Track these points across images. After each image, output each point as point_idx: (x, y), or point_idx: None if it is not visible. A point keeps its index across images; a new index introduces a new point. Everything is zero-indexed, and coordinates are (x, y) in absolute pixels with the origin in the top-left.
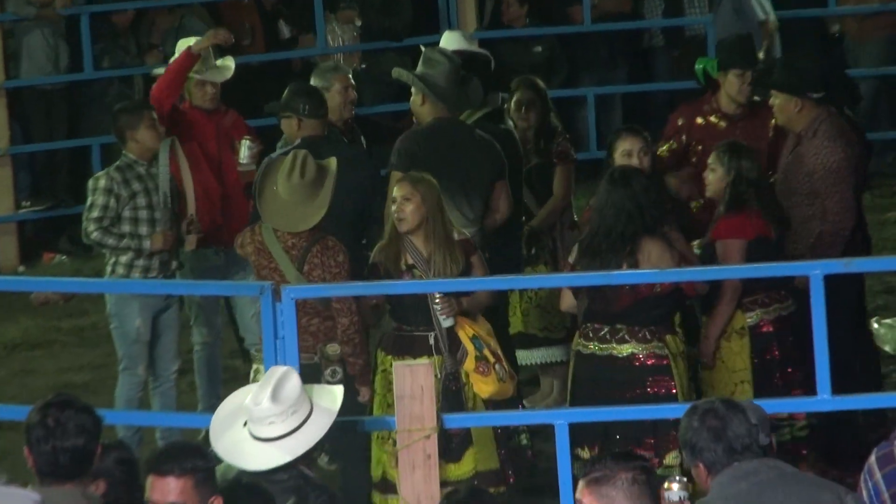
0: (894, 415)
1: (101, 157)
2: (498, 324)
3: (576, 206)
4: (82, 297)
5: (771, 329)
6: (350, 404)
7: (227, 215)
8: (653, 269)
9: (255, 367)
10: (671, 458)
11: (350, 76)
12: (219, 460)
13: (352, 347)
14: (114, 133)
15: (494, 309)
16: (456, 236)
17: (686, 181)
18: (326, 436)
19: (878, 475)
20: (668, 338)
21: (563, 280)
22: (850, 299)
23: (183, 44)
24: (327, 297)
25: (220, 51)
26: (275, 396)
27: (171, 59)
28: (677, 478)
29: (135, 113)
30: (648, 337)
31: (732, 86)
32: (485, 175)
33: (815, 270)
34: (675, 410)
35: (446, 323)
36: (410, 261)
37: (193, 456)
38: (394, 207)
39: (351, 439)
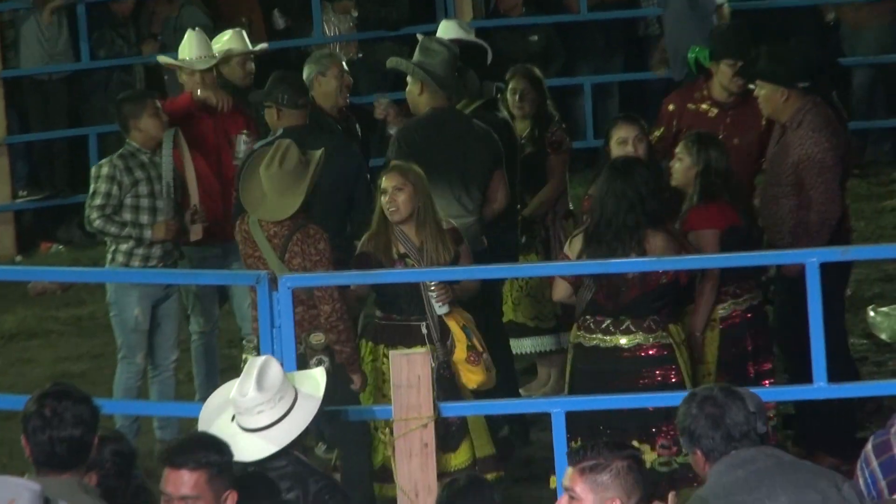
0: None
1: (99, 147)
2: (492, 313)
3: (572, 196)
4: (79, 287)
5: (742, 320)
6: (344, 393)
7: (226, 209)
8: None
9: (244, 356)
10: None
11: (344, 63)
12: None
13: (336, 335)
14: (118, 121)
15: (489, 298)
16: (444, 225)
17: None
18: (318, 422)
19: (874, 463)
20: (671, 327)
21: (562, 268)
22: (832, 289)
23: (186, 41)
24: (321, 285)
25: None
26: (260, 385)
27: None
28: None
29: (138, 101)
30: (653, 327)
31: (725, 75)
32: (483, 164)
33: (811, 258)
34: (672, 398)
35: (441, 310)
36: (402, 250)
37: (209, 450)
38: (385, 198)
39: (350, 427)
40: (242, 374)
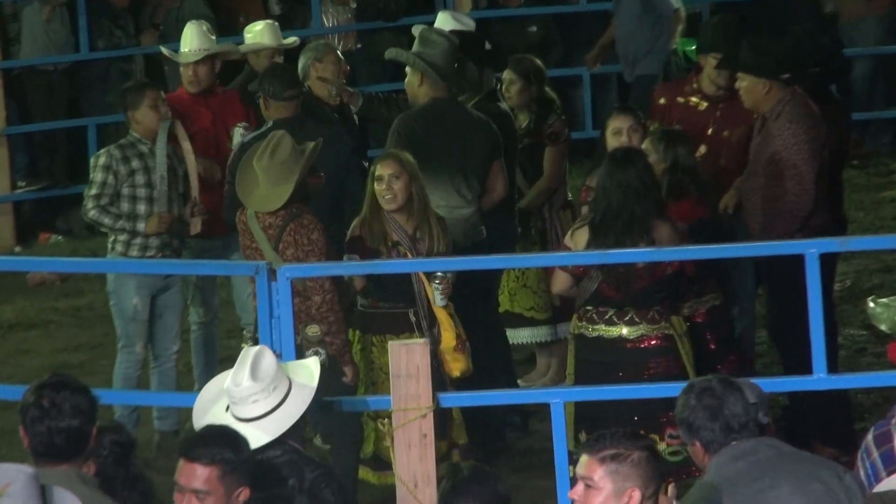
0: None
1: (98, 138)
2: (491, 304)
3: (571, 186)
4: (78, 278)
5: (703, 319)
6: (340, 385)
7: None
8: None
9: (244, 347)
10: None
11: (341, 54)
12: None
13: (327, 326)
14: (122, 112)
15: (488, 289)
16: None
17: None
18: (312, 411)
19: (875, 454)
20: (674, 318)
21: (567, 259)
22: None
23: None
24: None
25: (221, 30)
26: (254, 374)
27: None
28: None
29: (138, 92)
30: (657, 318)
31: (713, 69)
32: (482, 155)
33: (810, 249)
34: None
35: (441, 302)
36: (395, 238)
37: (225, 446)
38: (382, 186)
39: (343, 422)
40: (236, 364)
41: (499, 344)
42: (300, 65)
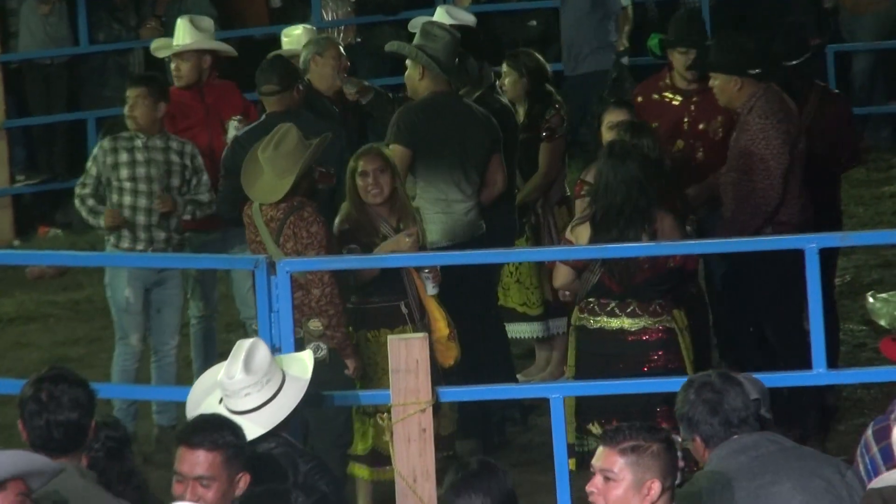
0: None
1: (97, 131)
2: (490, 298)
3: (570, 181)
4: (77, 271)
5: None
6: (340, 381)
7: None
8: (667, 241)
9: None
10: None
11: (342, 47)
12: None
13: (327, 319)
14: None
15: (487, 283)
16: None
17: None
18: (308, 406)
19: (874, 449)
20: (675, 312)
21: (570, 253)
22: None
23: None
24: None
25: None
26: (247, 367)
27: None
28: None
29: (131, 88)
30: (658, 311)
31: (679, 63)
32: (482, 149)
33: (810, 244)
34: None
35: (433, 291)
36: (384, 231)
37: (226, 431)
38: (368, 180)
39: (331, 424)
40: (230, 357)
41: (498, 339)
42: (301, 58)
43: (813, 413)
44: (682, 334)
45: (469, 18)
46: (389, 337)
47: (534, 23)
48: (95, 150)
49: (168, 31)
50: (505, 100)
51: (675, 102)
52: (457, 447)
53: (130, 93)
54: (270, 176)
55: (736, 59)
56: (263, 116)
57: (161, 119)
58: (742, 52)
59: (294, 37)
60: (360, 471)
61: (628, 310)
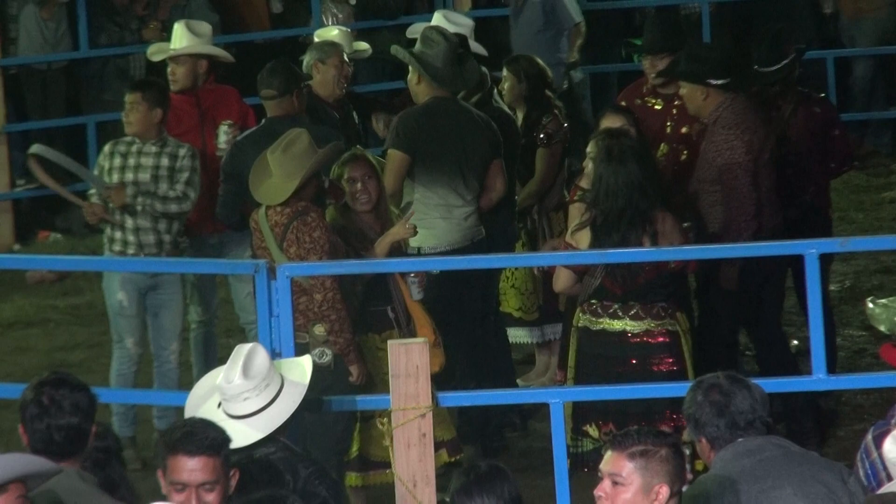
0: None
1: (97, 135)
2: (491, 303)
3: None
4: (77, 276)
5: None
6: (344, 386)
7: (214, 200)
8: (669, 241)
9: None
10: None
11: (345, 53)
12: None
13: (329, 324)
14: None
15: (487, 288)
16: None
17: None
18: (304, 409)
19: (874, 454)
20: (679, 315)
21: (572, 258)
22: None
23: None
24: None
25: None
26: (246, 372)
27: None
28: None
29: (128, 93)
30: (662, 314)
31: (647, 70)
32: (481, 154)
33: (810, 249)
34: (672, 389)
35: (419, 296)
36: (371, 237)
37: (216, 431)
38: (357, 186)
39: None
40: (229, 361)
41: (498, 343)
42: (304, 62)
43: (808, 418)
44: (684, 337)
45: (467, 22)
46: (389, 342)
47: None
48: (99, 155)
49: (169, 35)
50: (504, 106)
51: (657, 107)
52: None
53: (127, 98)
54: (277, 178)
55: (701, 69)
56: (263, 121)
57: (158, 124)
58: (708, 62)
59: (328, 38)
60: (351, 478)
61: (631, 312)
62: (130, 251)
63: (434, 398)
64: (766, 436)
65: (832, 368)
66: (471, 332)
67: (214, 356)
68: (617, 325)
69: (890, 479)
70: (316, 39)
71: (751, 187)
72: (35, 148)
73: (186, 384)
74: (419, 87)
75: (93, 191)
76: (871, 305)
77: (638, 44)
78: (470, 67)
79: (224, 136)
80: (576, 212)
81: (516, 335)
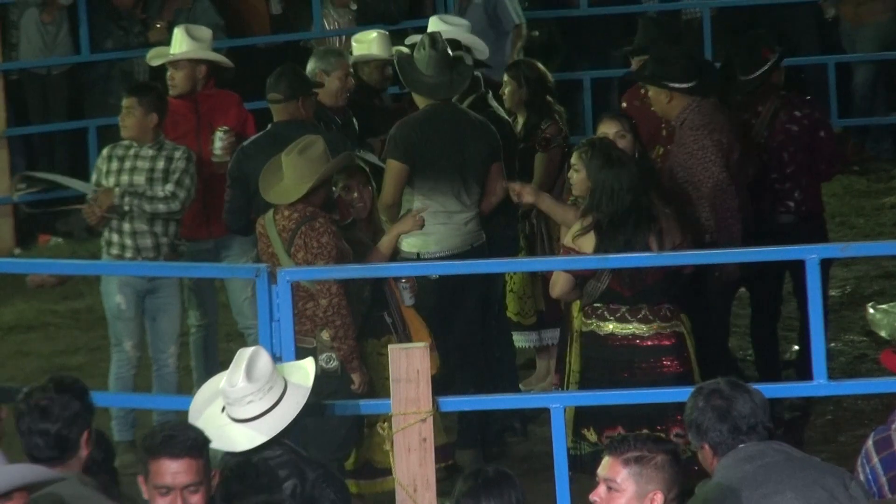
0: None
1: (98, 139)
2: (494, 308)
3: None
4: (78, 280)
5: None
6: (347, 392)
7: (209, 205)
8: (672, 240)
9: None
10: None
11: (350, 63)
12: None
13: (334, 330)
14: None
15: (488, 293)
16: None
17: None
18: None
19: (875, 459)
20: (682, 316)
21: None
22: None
23: (178, 35)
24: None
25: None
26: (249, 375)
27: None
28: None
29: (125, 97)
30: (668, 315)
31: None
32: (481, 158)
33: (811, 255)
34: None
35: (410, 301)
36: (369, 245)
37: (195, 432)
38: (353, 195)
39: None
40: (232, 365)
41: (502, 348)
42: (308, 69)
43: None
44: (689, 338)
45: (462, 23)
46: (390, 346)
47: (536, 33)
48: (98, 158)
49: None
50: (501, 110)
51: (654, 108)
52: (456, 457)
53: (123, 102)
54: (289, 179)
55: (665, 72)
56: (269, 126)
57: (154, 128)
58: (673, 65)
59: (367, 42)
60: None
61: (640, 315)
62: (128, 255)
63: (435, 403)
64: (768, 441)
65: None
66: (471, 336)
67: (214, 360)
68: (627, 328)
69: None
70: (354, 44)
71: (729, 181)
72: (22, 175)
73: (186, 388)
74: (415, 95)
75: (89, 196)
76: (871, 311)
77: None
78: (462, 71)
79: (219, 141)
80: (570, 215)
81: (514, 340)
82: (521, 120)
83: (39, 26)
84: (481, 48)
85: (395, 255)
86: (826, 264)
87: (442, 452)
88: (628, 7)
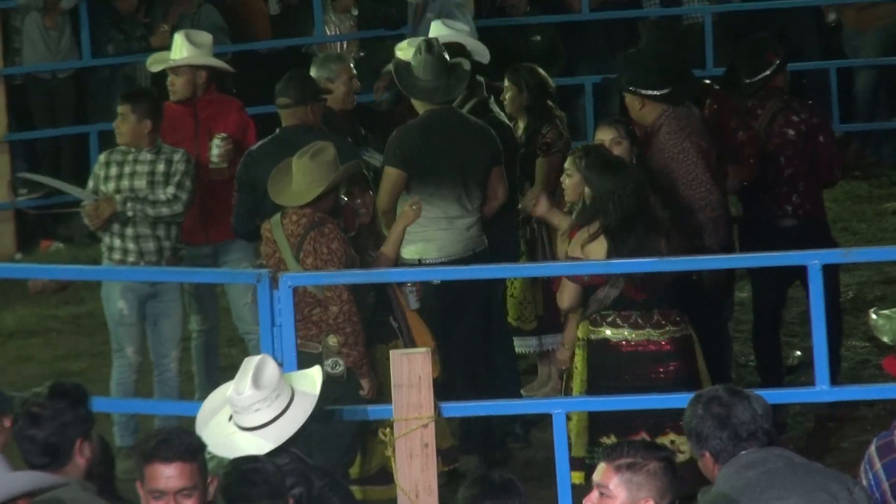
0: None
1: (100, 144)
2: (495, 314)
3: None
4: (79, 285)
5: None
6: (353, 398)
7: (207, 211)
8: (676, 241)
9: None
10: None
11: (353, 66)
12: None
13: (343, 337)
14: None
15: (490, 299)
16: None
17: None
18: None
19: (878, 465)
20: (687, 318)
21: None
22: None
23: (178, 40)
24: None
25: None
26: (256, 383)
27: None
28: None
29: (119, 104)
30: (677, 319)
31: None
32: (481, 163)
33: (813, 260)
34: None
35: (416, 305)
36: (371, 251)
37: (190, 437)
38: (358, 201)
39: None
40: (239, 373)
41: (504, 353)
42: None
43: None
44: (697, 342)
45: (462, 27)
46: (392, 352)
47: (538, 38)
48: (95, 164)
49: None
50: (502, 115)
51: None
52: (459, 462)
53: (118, 109)
54: (300, 183)
55: (637, 79)
56: (277, 130)
57: (149, 134)
58: (647, 73)
59: (404, 50)
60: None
61: (653, 320)
62: (131, 259)
63: (436, 408)
64: (769, 447)
65: (834, 378)
66: (472, 342)
67: (215, 365)
68: (640, 334)
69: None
70: (399, 52)
71: (712, 181)
72: (20, 175)
73: (188, 393)
74: (414, 100)
75: (85, 203)
76: (874, 316)
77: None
78: (459, 75)
79: (216, 149)
80: (564, 221)
81: (515, 345)
82: (521, 125)
83: (42, 31)
84: (482, 52)
85: (398, 260)
86: (835, 268)
87: (447, 455)
88: (629, 12)
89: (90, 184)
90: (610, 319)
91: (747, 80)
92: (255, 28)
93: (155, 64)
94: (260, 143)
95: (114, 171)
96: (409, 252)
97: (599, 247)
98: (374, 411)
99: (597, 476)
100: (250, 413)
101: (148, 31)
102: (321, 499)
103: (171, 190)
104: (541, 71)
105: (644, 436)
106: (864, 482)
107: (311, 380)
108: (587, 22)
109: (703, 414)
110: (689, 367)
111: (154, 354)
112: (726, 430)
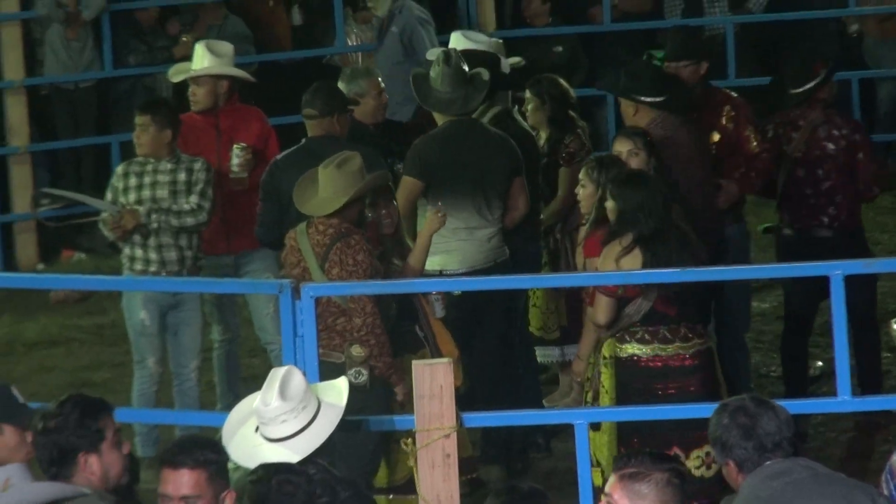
0: None
1: (121, 155)
2: (517, 323)
3: None
4: (101, 295)
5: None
6: (380, 408)
7: (228, 220)
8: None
9: None
10: None
11: (380, 79)
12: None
13: (368, 349)
14: None
15: (511, 309)
16: None
17: None
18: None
19: None
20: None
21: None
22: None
23: (199, 51)
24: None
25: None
26: (283, 394)
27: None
28: None
29: (137, 115)
30: (701, 331)
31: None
32: (502, 174)
33: (835, 271)
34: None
35: (441, 313)
36: (395, 260)
37: (207, 448)
38: (382, 211)
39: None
40: (265, 385)
41: (526, 363)
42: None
43: None
44: (716, 353)
45: (483, 40)
46: (414, 362)
47: (560, 48)
48: (113, 176)
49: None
50: (525, 125)
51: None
52: (480, 473)
53: (137, 119)
54: (326, 192)
55: (633, 86)
56: (303, 140)
57: (168, 144)
58: (641, 80)
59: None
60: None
61: (680, 334)
62: (152, 269)
63: (459, 418)
64: (794, 457)
65: (877, 388)
66: (494, 353)
67: (237, 376)
68: (668, 349)
69: None
70: (456, 40)
71: (700, 182)
72: (42, 190)
73: (209, 403)
74: (433, 112)
75: (105, 214)
76: (894, 327)
77: (659, 56)
78: (478, 86)
79: (236, 158)
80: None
81: (537, 354)
82: (543, 136)
83: (64, 42)
84: (506, 64)
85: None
86: (872, 281)
87: (465, 465)
88: (651, 23)
89: (108, 195)
90: (639, 336)
91: (793, 91)
92: (278, 38)
93: (176, 74)
94: (285, 152)
95: (133, 181)
96: (430, 263)
97: (635, 260)
98: (397, 421)
99: (607, 486)
100: (277, 424)
101: (171, 42)
102: None
103: (194, 199)
104: (562, 82)
105: (676, 451)
106: (885, 492)
107: (338, 391)
108: (609, 32)
109: (728, 423)
110: (711, 378)
111: (174, 364)
112: (752, 441)
